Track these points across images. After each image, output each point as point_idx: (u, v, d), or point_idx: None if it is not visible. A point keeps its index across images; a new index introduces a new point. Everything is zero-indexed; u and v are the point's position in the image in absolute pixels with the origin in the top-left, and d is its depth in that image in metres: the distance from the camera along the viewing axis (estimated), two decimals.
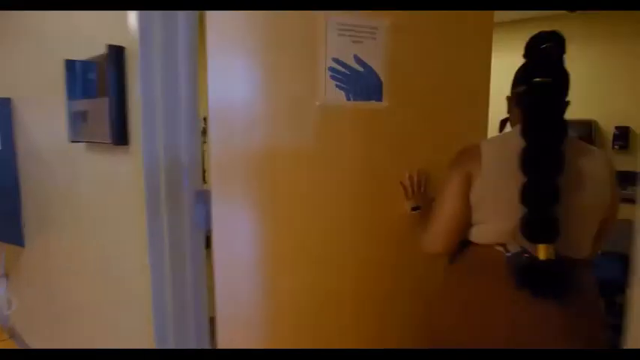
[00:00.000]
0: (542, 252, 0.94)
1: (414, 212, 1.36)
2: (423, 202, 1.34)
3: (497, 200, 1.05)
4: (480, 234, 1.08)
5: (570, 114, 1.02)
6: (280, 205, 1.37)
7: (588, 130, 3.64)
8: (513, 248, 1.00)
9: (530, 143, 0.97)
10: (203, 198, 1.31)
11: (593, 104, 3.46)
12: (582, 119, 3.60)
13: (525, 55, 1.05)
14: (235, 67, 1.29)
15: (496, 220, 1.05)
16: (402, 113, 1.41)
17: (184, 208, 1.31)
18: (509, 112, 1.18)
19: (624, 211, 1.11)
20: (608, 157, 1.08)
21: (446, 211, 1.11)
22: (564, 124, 0.99)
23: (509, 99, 1.17)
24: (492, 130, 1.38)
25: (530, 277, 0.97)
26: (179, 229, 1.31)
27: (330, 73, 1.33)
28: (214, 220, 1.28)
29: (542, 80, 0.99)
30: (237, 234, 1.33)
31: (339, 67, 1.34)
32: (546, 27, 1.05)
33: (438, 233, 1.13)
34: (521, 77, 1.08)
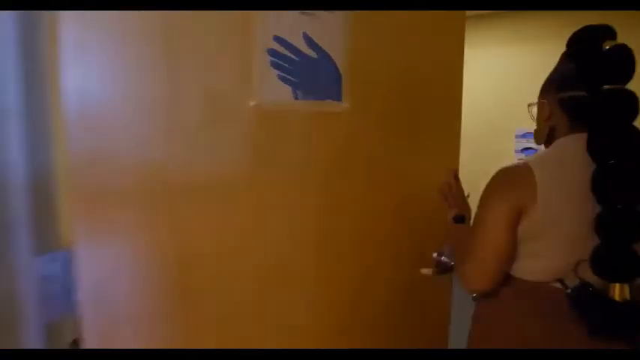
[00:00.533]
0: (617, 292, 0.80)
1: (459, 225, 1.10)
2: (468, 212, 1.11)
3: (558, 233, 0.86)
4: (530, 270, 0.90)
5: None
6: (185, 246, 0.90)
7: None
8: (572, 283, 0.84)
9: (608, 166, 0.80)
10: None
11: None
12: None
13: (579, 54, 0.90)
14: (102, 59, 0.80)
15: (555, 254, 0.87)
16: (366, 117, 1.03)
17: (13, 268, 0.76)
18: (545, 119, 0.96)
19: None
20: None
21: (490, 243, 0.91)
22: None
23: (544, 104, 0.97)
24: (465, 133, 1.28)
25: (604, 314, 0.81)
26: None
27: (269, 57, 0.91)
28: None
29: (618, 88, 0.82)
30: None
31: (283, 50, 0.92)
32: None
33: (482, 269, 0.92)
34: (575, 80, 0.90)
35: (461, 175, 1.20)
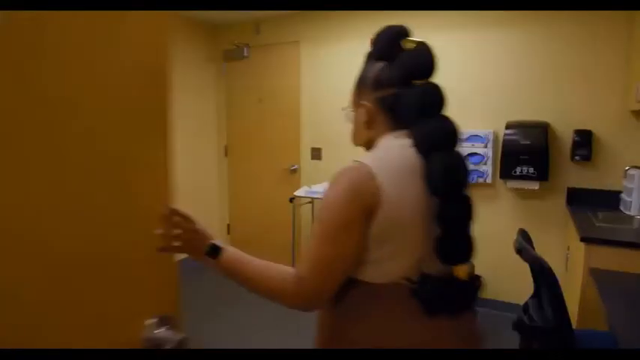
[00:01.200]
0: (463, 271, 0.89)
1: (229, 257, 0.95)
2: (211, 238, 0.98)
3: (403, 234, 0.86)
4: (379, 273, 0.88)
5: (522, 115, 0.77)
6: None
7: (544, 134, 2.74)
8: (415, 277, 0.88)
9: (436, 159, 0.85)
10: None
11: (546, 104, 2.90)
12: (536, 121, 2.84)
13: (387, 53, 0.93)
14: None
15: (403, 255, 0.88)
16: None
17: None
18: (365, 121, 0.97)
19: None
20: None
21: (333, 251, 0.86)
22: (458, 132, 0.89)
23: (362, 106, 0.97)
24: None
25: (447, 299, 0.89)
26: None
27: None
28: None
29: (427, 82, 0.90)
30: None
31: None
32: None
33: (331, 277, 0.87)
34: (388, 79, 0.93)
35: None
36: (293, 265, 0.91)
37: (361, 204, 0.84)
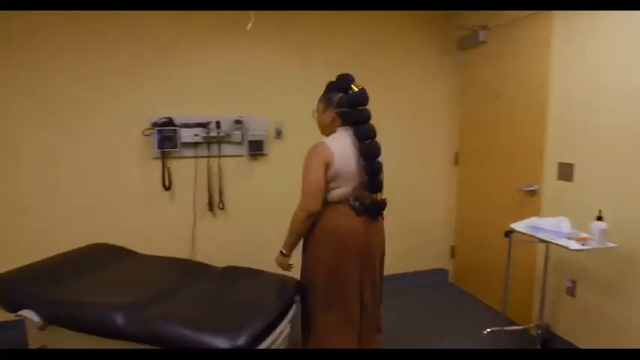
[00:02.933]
0: (378, 197, 1.97)
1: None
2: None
3: (346, 174, 1.88)
4: (336, 195, 1.91)
5: None
6: None
7: None
8: (353, 200, 1.92)
9: (367, 143, 1.89)
10: None
11: None
12: None
13: (343, 89, 1.95)
14: None
15: (346, 187, 1.90)
16: None
17: None
18: (330, 122, 1.98)
19: None
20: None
21: (313, 180, 1.85)
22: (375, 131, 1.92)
23: (328, 113, 1.98)
24: None
25: (369, 210, 1.94)
26: None
27: None
28: None
29: (365, 108, 1.92)
30: None
31: None
32: None
33: (311, 193, 1.87)
34: (344, 104, 1.93)
35: None
36: None
37: (323, 160, 1.85)
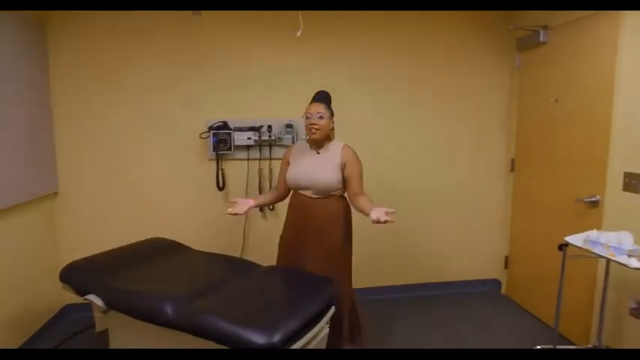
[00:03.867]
0: None
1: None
2: None
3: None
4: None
5: None
6: None
7: None
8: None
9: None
10: None
11: None
12: None
13: (329, 102, 2.41)
14: None
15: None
16: None
17: None
18: (331, 129, 2.41)
19: None
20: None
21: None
22: None
23: (332, 120, 2.41)
24: None
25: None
26: None
27: None
28: None
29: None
30: None
31: None
32: None
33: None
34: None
35: None
36: None
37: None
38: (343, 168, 2.32)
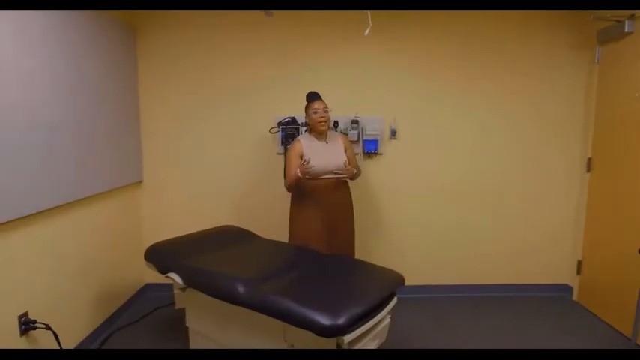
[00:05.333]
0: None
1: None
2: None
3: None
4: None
5: None
6: None
7: None
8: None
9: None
10: None
11: None
12: None
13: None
14: None
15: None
16: None
17: None
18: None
19: None
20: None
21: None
22: None
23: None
24: None
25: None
26: None
27: None
28: None
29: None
30: None
31: None
32: None
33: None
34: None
35: None
36: None
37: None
38: (345, 151, 2.75)
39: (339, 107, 3.25)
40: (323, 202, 2.66)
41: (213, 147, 3.33)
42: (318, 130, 2.69)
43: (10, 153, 1.91)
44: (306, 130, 2.91)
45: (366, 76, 3.25)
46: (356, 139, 3.21)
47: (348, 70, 3.25)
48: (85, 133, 2.52)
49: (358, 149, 3.27)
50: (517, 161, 3.38)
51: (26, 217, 2.04)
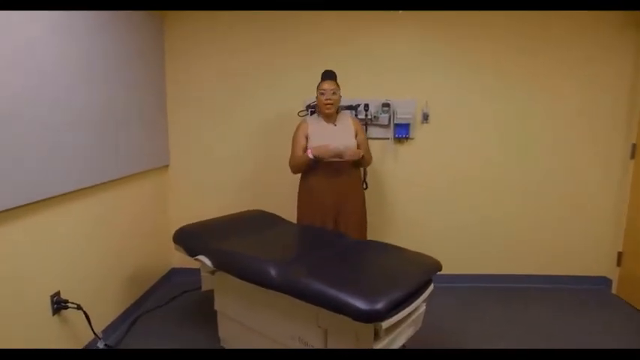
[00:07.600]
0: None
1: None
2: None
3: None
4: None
5: None
6: None
7: None
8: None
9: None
10: None
11: None
12: None
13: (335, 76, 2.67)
14: None
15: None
16: None
17: None
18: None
19: None
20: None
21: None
22: None
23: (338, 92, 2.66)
24: None
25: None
26: None
27: None
28: None
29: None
30: None
31: None
32: None
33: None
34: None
35: None
36: None
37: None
38: (355, 135, 2.64)
39: (369, 90, 3.15)
40: (329, 186, 2.60)
41: (239, 132, 3.28)
42: (324, 112, 2.62)
43: (56, 132, 1.95)
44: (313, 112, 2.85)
45: (398, 58, 3.14)
46: (387, 122, 3.11)
47: (380, 52, 3.14)
48: (119, 115, 2.53)
49: (389, 134, 3.17)
50: (556, 148, 3.23)
51: (63, 194, 2.04)
